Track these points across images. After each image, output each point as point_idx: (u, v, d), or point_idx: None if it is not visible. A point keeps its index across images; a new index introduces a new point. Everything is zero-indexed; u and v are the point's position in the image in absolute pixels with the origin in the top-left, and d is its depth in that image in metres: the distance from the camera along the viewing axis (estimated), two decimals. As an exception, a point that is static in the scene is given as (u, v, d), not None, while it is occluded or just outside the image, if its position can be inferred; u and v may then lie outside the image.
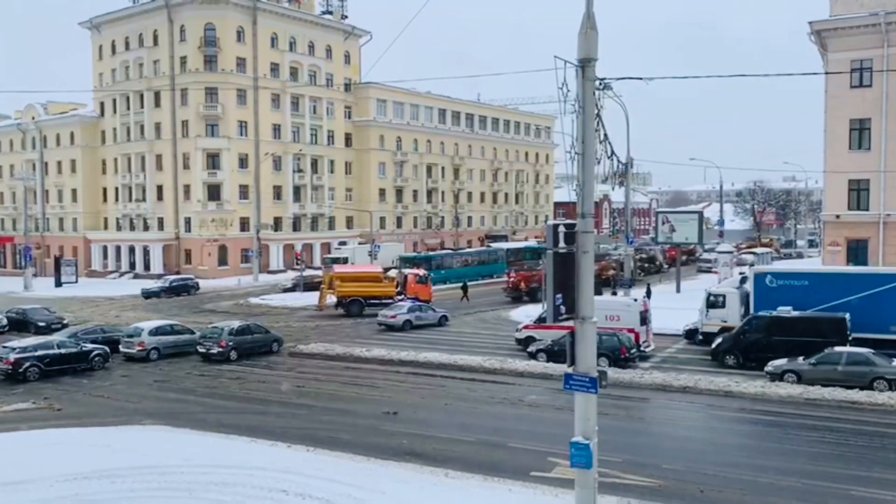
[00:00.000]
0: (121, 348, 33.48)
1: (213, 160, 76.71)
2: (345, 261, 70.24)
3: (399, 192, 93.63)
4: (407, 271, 51.88)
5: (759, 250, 74.65)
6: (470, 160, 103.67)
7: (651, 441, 20.12)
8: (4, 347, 30.58)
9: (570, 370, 12.50)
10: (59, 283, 70.32)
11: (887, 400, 22.88)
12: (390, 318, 41.16)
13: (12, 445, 19.93)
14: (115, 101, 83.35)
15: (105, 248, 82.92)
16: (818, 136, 43.07)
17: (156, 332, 34.28)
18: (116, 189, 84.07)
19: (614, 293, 45.56)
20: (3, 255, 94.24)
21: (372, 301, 46.37)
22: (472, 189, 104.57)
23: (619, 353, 28.72)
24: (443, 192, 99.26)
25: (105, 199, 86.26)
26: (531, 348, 31.70)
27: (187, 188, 77.15)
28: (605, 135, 12.79)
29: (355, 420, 22.59)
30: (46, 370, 29.87)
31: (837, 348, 26.33)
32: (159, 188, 79.47)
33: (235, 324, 35.53)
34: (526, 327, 34.64)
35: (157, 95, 78.67)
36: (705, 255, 71.75)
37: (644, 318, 31.95)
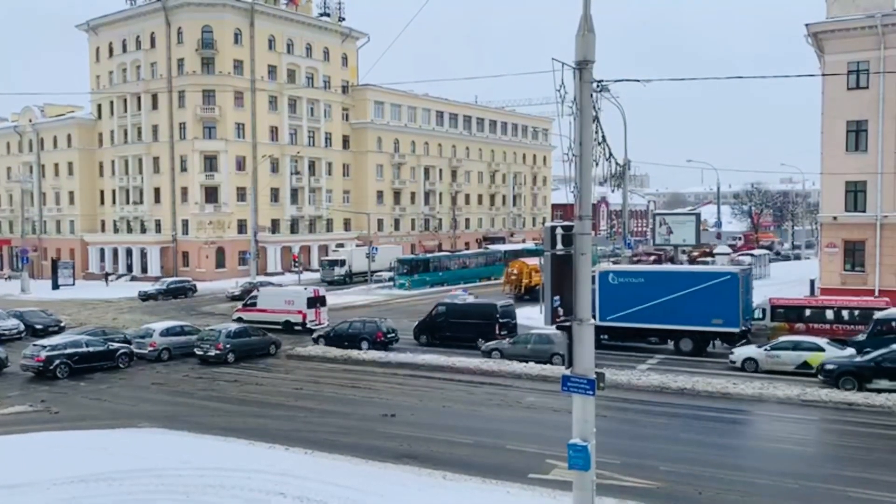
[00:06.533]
0: (133, 349, 33.72)
1: (210, 162, 76.64)
2: (342, 263, 70.30)
3: (397, 194, 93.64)
4: None
5: (757, 252, 74.86)
6: (467, 162, 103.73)
7: (649, 443, 20.10)
8: (35, 345, 31.10)
9: (567, 372, 12.49)
10: (56, 286, 70.18)
11: (884, 401, 22.91)
12: None
13: (9, 449, 19.89)
14: (112, 103, 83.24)
15: (102, 251, 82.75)
16: (815, 137, 43.16)
17: (167, 332, 34.84)
18: (113, 191, 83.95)
19: None
20: (0, 258, 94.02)
21: None
22: (469, 191, 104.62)
23: (375, 336, 34.48)
24: (440, 194, 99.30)
25: (102, 202, 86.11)
26: (315, 334, 36.87)
27: (185, 190, 77.06)
28: (603, 137, 12.80)
29: (353, 422, 22.58)
30: (75, 368, 30.39)
31: (533, 331, 32.29)
32: (156, 190, 79.38)
33: (233, 326, 35.55)
34: (238, 310, 43.90)
35: (154, 98, 78.61)
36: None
37: (313, 303, 41.15)
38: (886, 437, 20.40)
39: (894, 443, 19.97)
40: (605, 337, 32.42)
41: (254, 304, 43.38)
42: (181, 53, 76.24)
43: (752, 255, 70.74)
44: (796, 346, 28.40)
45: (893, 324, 28.75)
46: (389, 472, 17.53)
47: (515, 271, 55.57)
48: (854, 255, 42.19)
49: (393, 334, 35.48)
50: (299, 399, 26.15)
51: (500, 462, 18.37)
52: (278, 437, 20.69)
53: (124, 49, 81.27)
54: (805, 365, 27.63)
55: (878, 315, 30.13)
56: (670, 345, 32.54)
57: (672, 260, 63.02)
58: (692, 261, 66.49)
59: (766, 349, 28.87)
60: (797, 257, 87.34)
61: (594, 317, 33.84)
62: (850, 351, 27.58)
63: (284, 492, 15.71)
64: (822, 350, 27.68)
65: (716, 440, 20.56)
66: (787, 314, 32.77)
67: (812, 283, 45.72)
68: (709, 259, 67.47)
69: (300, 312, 40.95)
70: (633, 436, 20.76)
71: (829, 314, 32.18)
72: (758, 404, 23.86)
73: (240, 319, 42.29)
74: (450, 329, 35.96)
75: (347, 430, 21.70)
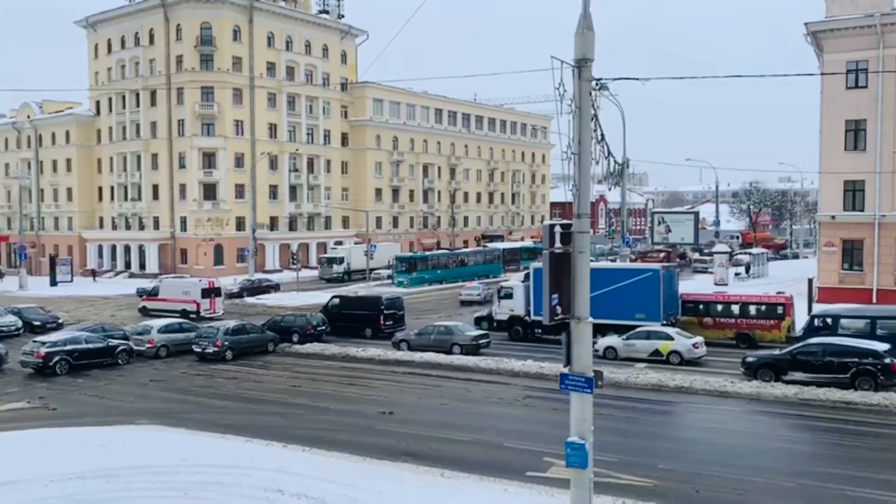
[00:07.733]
0: (131, 345, 33.76)
1: (208, 159, 76.58)
2: (340, 261, 70.28)
3: (395, 192, 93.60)
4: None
5: (754, 251, 75.01)
6: (466, 160, 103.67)
7: (646, 441, 20.13)
8: (35, 342, 31.13)
9: (565, 370, 12.50)
10: (54, 283, 70.10)
11: (882, 400, 22.94)
12: (475, 296, 51.19)
13: (7, 445, 19.86)
14: (110, 99, 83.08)
15: (100, 248, 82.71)
16: (814, 137, 43.22)
17: (165, 329, 34.93)
18: (112, 188, 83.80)
19: None
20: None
21: None
22: (468, 189, 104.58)
23: (305, 329, 36.30)
24: (439, 192, 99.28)
25: (100, 199, 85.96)
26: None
27: (183, 187, 76.98)
28: (602, 135, 12.78)
29: (351, 420, 22.60)
30: (75, 364, 30.44)
31: (436, 323, 35.46)
32: (155, 187, 79.28)
33: (231, 323, 35.53)
34: (143, 299, 49.36)
35: (153, 94, 78.49)
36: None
37: (208, 293, 45.85)
38: (884, 436, 20.42)
39: (892, 441, 20.01)
40: (539, 331, 34.64)
41: (156, 294, 48.57)
42: (180, 50, 76.12)
43: (750, 253, 70.94)
44: (649, 336, 30.49)
45: (828, 320, 29.43)
46: (387, 470, 17.54)
47: None
48: (852, 254, 42.28)
49: (323, 327, 37.40)
50: (297, 396, 26.16)
51: (498, 460, 18.38)
52: (276, 435, 20.69)
53: (123, 46, 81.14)
54: (657, 353, 29.81)
55: (814, 311, 31.12)
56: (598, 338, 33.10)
57: (682, 256, 63.73)
58: None
59: (623, 339, 30.68)
60: (796, 256, 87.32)
61: (529, 312, 35.59)
62: (698, 339, 30.17)
63: (282, 489, 15.71)
64: (672, 339, 29.92)
65: (713, 438, 20.58)
66: (696, 309, 34.06)
67: (810, 282, 45.69)
68: (707, 257, 67.85)
69: (195, 302, 45.36)
70: (631, 434, 20.75)
71: (735, 309, 33.28)
72: (755, 403, 23.88)
73: (144, 308, 47.92)
74: (342, 320, 38.66)
75: (345, 427, 21.72)
